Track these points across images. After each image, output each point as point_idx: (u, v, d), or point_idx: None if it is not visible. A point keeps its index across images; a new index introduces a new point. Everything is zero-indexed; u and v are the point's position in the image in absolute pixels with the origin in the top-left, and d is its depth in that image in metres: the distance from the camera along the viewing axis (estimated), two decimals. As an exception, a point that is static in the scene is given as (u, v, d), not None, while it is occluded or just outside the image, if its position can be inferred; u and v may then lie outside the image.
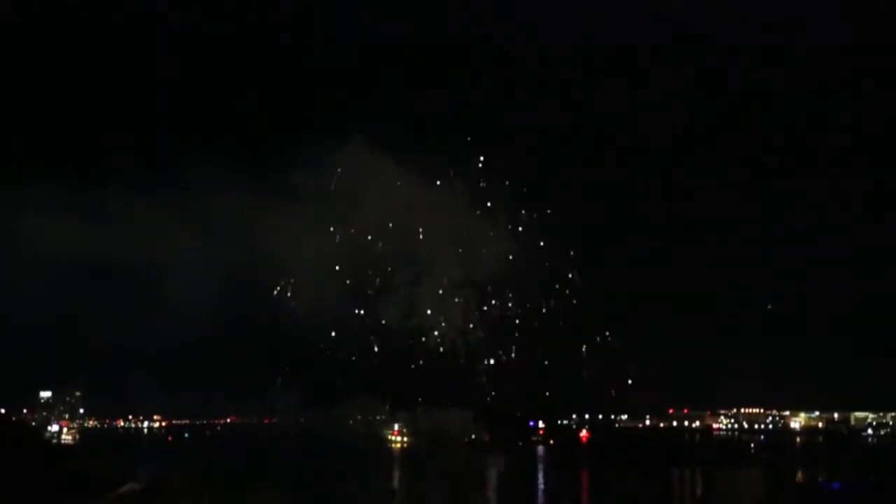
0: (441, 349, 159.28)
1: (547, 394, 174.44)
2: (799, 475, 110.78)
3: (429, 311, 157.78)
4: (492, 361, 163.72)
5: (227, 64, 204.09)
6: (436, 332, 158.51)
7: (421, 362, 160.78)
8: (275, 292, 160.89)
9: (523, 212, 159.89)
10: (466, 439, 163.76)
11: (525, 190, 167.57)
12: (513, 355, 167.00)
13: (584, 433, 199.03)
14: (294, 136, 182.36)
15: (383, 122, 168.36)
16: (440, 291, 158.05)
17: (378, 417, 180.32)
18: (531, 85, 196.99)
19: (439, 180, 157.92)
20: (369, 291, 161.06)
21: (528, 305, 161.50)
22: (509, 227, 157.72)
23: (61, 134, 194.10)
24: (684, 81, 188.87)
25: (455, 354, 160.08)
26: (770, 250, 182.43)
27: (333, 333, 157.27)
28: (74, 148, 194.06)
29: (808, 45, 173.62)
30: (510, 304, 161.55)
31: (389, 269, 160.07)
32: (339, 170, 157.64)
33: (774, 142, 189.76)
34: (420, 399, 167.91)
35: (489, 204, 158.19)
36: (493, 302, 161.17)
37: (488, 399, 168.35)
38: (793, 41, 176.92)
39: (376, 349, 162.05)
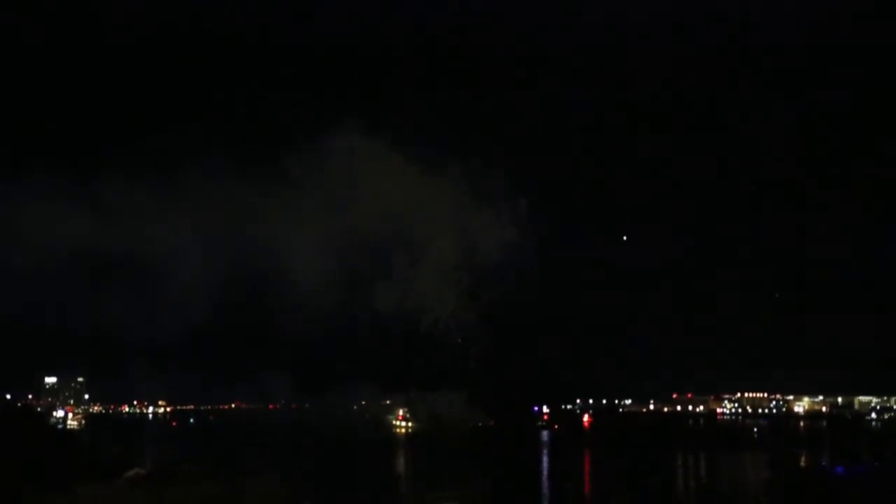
0: (435, 333, 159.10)
1: (548, 379, 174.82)
2: (802, 459, 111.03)
3: (423, 295, 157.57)
4: (487, 346, 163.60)
5: (226, 52, 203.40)
6: (430, 317, 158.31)
7: (415, 346, 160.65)
8: (271, 279, 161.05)
9: (522, 199, 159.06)
10: (471, 425, 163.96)
11: (525, 177, 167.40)
12: (509, 341, 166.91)
13: (586, 418, 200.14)
14: (291, 123, 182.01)
15: (381, 109, 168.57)
16: (435, 275, 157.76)
17: (383, 403, 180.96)
18: (532, 77, 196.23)
19: (437, 166, 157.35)
20: (365, 277, 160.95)
21: (525, 292, 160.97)
22: (507, 213, 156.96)
23: (60, 125, 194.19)
24: (683, 79, 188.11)
25: (449, 339, 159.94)
26: (775, 238, 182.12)
27: (329, 319, 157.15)
28: (73, 139, 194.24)
29: (808, 45, 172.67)
30: (506, 290, 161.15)
31: (385, 253, 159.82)
32: (335, 157, 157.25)
33: (776, 140, 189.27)
34: (414, 383, 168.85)
35: (488, 190, 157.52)
36: (489, 287, 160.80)
37: (483, 383, 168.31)
38: (792, 40, 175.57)
39: (371, 334, 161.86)
